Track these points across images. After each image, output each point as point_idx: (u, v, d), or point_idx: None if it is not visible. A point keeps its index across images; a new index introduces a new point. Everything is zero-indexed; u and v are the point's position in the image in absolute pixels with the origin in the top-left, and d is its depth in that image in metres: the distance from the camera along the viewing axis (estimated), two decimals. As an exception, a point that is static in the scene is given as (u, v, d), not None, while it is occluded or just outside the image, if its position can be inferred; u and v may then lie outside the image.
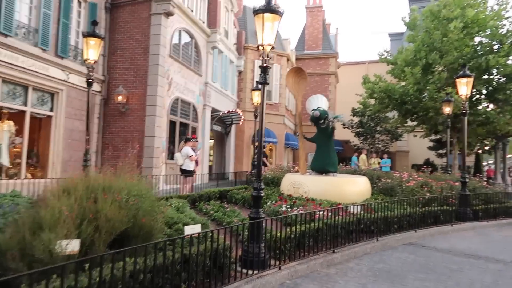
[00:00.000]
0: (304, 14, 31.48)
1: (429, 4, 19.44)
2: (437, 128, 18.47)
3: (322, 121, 9.99)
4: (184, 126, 16.67)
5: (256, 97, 13.67)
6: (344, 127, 28.04)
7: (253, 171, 13.64)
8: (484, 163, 34.99)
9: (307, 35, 30.02)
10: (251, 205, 9.87)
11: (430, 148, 27.46)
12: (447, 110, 14.29)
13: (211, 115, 19.46)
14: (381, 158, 19.75)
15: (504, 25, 17.57)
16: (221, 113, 19.67)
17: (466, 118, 9.98)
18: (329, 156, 10.24)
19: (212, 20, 18.85)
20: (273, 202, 8.92)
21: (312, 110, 10.10)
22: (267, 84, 5.60)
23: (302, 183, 9.69)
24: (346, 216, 6.86)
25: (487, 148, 26.61)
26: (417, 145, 30.04)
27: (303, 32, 30.80)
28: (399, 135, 28.56)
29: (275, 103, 24.60)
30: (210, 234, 4.45)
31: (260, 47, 5.56)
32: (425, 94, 18.28)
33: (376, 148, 28.56)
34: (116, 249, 3.89)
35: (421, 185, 9.99)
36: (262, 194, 5.47)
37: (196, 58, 17.81)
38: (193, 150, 11.58)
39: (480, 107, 17.78)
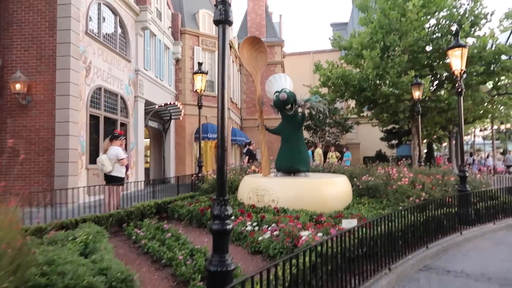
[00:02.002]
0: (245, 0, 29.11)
1: None
2: (397, 116, 17.05)
3: (289, 106, 7.67)
4: (110, 122, 13.57)
5: (199, 82, 11.03)
6: (318, 116, 25.87)
7: (199, 175, 11.01)
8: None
9: (249, 21, 27.71)
10: (201, 223, 7.34)
11: (382, 139, 26.50)
12: (416, 94, 12.67)
13: (145, 109, 16.47)
14: (340, 152, 18.03)
15: (463, 4, 16.51)
16: (157, 106, 16.71)
17: (461, 99, 8.18)
18: (299, 151, 7.95)
19: (141, -5, 15.82)
20: (233, 218, 6.43)
21: (276, 93, 7.74)
22: (230, 24, 3.07)
23: (267, 189, 7.29)
24: (344, 237, 4.55)
25: (434, 137, 26.20)
26: (367, 136, 29.10)
27: (245, 19, 28.46)
28: (349, 127, 27.36)
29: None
30: None
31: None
32: (384, 80, 16.83)
33: (326, 141, 27.13)
34: None
35: (411, 182, 8.06)
36: (230, 227, 2.97)
37: (122, 40, 14.71)
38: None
39: (441, 93, 16.62)
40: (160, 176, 19.55)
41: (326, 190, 7.32)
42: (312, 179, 7.55)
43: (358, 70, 17.98)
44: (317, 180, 7.48)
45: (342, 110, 26.07)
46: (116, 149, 8.05)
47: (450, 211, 7.22)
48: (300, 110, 7.74)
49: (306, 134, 29.10)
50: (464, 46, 7.99)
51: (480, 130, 42.05)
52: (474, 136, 44.36)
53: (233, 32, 26.04)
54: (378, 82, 17.00)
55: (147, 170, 20.11)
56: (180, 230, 6.34)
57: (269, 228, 5.66)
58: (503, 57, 16.11)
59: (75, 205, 8.71)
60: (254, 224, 5.95)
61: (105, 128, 12.99)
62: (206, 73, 11.28)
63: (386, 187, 8.06)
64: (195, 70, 11.26)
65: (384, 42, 16.50)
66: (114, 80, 13.72)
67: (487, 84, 17.36)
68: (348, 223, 5.29)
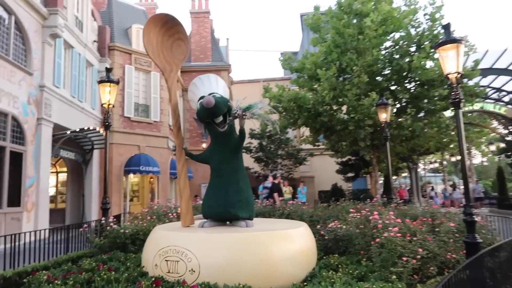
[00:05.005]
0: (189, 20, 26.91)
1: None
2: (357, 145, 14.98)
3: (222, 119, 5.02)
4: (-7, 150, 10.21)
5: (107, 94, 8.16)
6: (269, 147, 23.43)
7: (106, 220, 7.76)
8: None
9: (193, 44, 25.35)
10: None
11: (338, 171, 24.52)
12: (383, 116, 10.61)
13: (54, 136, 13.15)
14: (293, 186, 15.55)
15: (422, 23, 15.15)
16: (68, 132, 13.43)
17: (461, 112, 5.99)
18: (238, 188, 5.24)
19: (53, -3, 12.91)
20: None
21: (201, 99, 5.08)
22: None
23: (183, 251, 4.47)
24: None
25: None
26: (322, 169, 27.07)
27: (188, 41, 26.12)
28: (303, 158, 25.27)
29: (155, 121, 19.07)
30: None
31: None
32: (341, 105, 14.88)
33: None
34: None
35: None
36: None
37: (20, 46, 11.60)
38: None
39: (402, 119, 14.82)
40: (79, 219, 15.96)
41: (278, 249, 4.62)
42: (255, 232, 4.83)
43: (311, 94, 15.93)
44: (264, 234, 4.76)
45: (295, 140, 24.01)
46: None
47: (463, 277, 4.78)
48: (238, 123, 5.11)
49: (257, 167, 26.60)
50: (459, 42, 5.89)
51: (431, 163, 41.91)
52: (425, 169, 44.22)
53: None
54: (335, 107, 15.01)
55: (61, 212, 16.50)
56: None
57: None
58: (465, 80, 14.78)
59: None
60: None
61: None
62: (117, 83, 8.44)
63: (365, 239, 5.52)
64: (100, 79, 8.38)
65: (340, 62, 14.63)
66: (3, 95, 10.47)
67: (450, 110, 15.91)
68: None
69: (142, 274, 4.79)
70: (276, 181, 13.02)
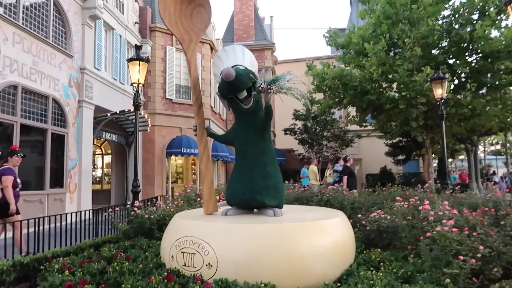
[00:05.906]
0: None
1: None
2: (409, 126, 13.79)
3: (246, 94, 4.41)
4: (35, 132, 10.35)
5: (137, 73, 7.81)
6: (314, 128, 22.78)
7: (132, 205, 7.48)
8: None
9: (236, 23, 24.79)
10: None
11: (387, 154, 23.18)
12: (439, 92, 9.47)
13: (96, 118, 13.26)
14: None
15: (488, -14, 13.44)
16: (109, 114, 13.48)
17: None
18: (265, 172, 4.66)
19: (91, -22, 12.80)
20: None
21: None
22: None
23: (200, 243, 3.99)
24: None
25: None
26: (369, 151, 25.81)
27: (231, 20, 25.55)
28: (350, 140, 24.17)
29: (196, 103, 18.82)
30: None
31: None
32: (391, 82, 13.70)
33: (324, 156, 23.89)
34: None
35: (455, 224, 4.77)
36: None
37: (60, 28, 11.61)
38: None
39: (461, 96, 13.39)
40: (123, 201, 16.24)
41: (307, 243, 4.01)
42: (281, 223, 4.24)
43: (358, 70, 14.83)
44: (291, 226, 4.16)
45: (341, 120, 22.95)
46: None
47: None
48: (263, 99, 4.49)
49: (301, 149, 25.88)
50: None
51: (492, 145, 38.79)
52: (484, 151, 41.05)
53: (216, 32, 23.07)
54: (384, 84, 13.85)
55: (107, 193, 16.88)
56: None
57: None
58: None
59: None
60: None
61: (23, 140, 9.78)
62: (147, 61, 8.07)
63: (413, 233, 4.75)
64: (130, 57, 8.06)
65: (390, 35, 13.40)
66: (43, 77, 10.55)
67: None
68: None
69: (158, 265, 4.40)
70: (348, 164, 12.40)
